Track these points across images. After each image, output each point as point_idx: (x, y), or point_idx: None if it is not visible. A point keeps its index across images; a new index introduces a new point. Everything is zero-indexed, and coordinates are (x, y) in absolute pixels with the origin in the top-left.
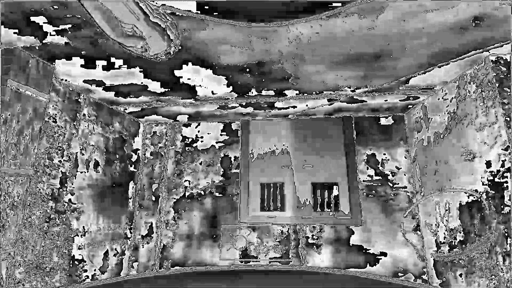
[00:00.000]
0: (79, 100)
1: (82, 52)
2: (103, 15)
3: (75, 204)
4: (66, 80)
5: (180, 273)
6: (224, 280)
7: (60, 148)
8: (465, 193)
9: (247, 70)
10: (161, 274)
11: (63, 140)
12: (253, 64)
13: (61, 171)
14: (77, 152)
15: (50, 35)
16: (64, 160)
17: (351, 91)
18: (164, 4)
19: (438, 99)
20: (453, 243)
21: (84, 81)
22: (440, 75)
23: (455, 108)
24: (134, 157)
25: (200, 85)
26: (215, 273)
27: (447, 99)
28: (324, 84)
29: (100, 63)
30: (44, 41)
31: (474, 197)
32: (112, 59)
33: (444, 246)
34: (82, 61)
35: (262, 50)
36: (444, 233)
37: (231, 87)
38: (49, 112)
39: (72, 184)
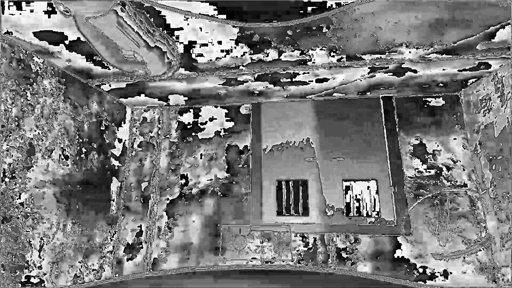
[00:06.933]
0: (36, 67)
1: None
2: (103, 42)
3: (28, 207)
4: (11, 34)
5: (180, 273)
6: (224, 280)
7: (4, 129)
8: None
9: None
10: (163, 274)
11: (9, 117)
12: None
13: (5, 161)
14: (32, 137)
15: None
16: (10, 146)
17: (409, 52)
18: None
19: None
20: None
21: (35, 35)
22: None
23: None
24: (119, 148)
25: (196, 42)
26: (215, 273)
27: None
28: (375, 39)
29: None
30: None
31: None
32: None
33: None
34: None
35: None
36: None
37: (242, 44)
38: None
39: (25, 180)
